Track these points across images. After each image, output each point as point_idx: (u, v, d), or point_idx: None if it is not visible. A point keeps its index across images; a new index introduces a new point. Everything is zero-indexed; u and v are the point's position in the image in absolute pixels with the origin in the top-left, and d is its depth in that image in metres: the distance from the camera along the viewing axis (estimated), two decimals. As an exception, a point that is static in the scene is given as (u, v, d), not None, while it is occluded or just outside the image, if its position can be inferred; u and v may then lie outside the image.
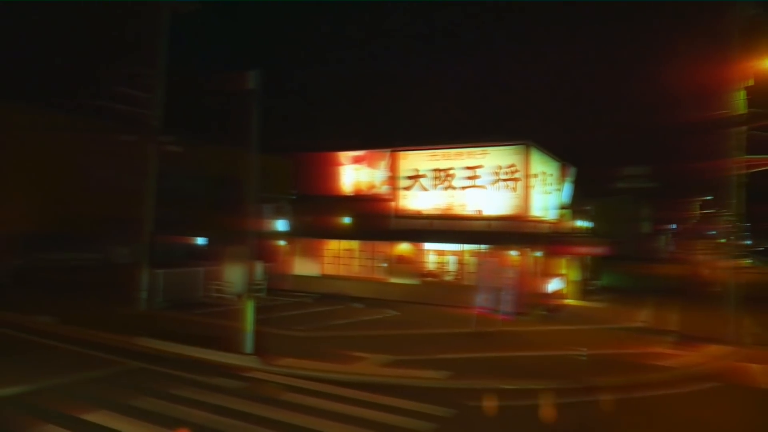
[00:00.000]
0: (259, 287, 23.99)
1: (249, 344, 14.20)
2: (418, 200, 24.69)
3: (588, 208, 32.92)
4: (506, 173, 22.53)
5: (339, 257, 26.53)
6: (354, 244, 26.12)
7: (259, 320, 14.78)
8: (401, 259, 24.71)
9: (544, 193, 24.46)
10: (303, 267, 27.00)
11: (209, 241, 41.31)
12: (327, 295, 24.92)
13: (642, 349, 16.12)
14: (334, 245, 26.68)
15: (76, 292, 24.28)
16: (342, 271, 26.29)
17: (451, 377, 12.61)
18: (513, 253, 21.42)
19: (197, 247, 40.58)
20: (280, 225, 26.91)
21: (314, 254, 27.04)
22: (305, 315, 20.81)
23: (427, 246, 24.20)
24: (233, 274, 23.66)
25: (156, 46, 20.92)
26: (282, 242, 27.41)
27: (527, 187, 22.22)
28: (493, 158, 22.85)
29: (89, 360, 13.63)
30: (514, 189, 22.39)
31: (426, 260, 24.38)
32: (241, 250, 24.53)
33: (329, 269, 26.67)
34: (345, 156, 26.57)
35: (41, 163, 32.70)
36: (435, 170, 24.24)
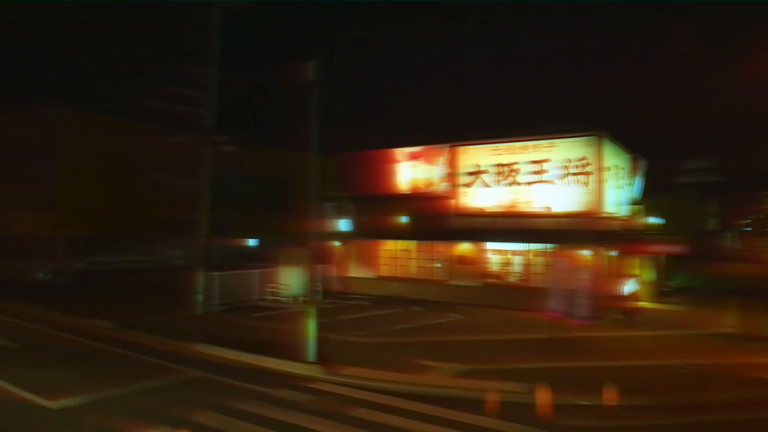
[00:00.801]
0: (316, 290, 23.26)
1: (312, 352, 13.35)
2: (480, 197, 23.40)
3: (658, 203, 30.83)
4: (576, 167, 20.99)
5: (395, 258, 25.54)
6: (411, 245, 25.08)
7: (317, 325, 13.94)
8: (462, 260, 23.48)
9: (616, 187, 22.74)
10: (358, 269, 26.14)
11: (260, 242, 41.25)
12: (384, 298, 23.97)
13: (743, 360, 14.42)
14: (390, 246, 25.71)
15: (131, 295, 24.19)
16: (399, 273, 25.28)
17: (534, 390, 11.38)
18: (585, 252, 19.89)
19: (248, 248, 40.52)
20: (336, 226, 26.10)
21: (370, 256, 26.14)
22: (364, 319, 19.91)
23: (490, 246, 22.89)
24: (288, 277, 23.03)
25: (209, 45, 20.47)
26: (336, 243, 26.62)
27: (600, 182, 20.62)
28: (561, 151, 21.35)
29: (148, 368, 13.09)
30: (586, 183, 20.82)
31: (488, 261, 23.08)
32: (296, 252, 23.96)
33: (386, 271, 25.71)
34: (401, 153, 25.54)
35: (98, 166, 33.16)
36: (498, 165, 22.90)
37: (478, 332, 17.62)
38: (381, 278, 25.57)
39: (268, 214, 37.08)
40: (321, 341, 13.64)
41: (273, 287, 23.10)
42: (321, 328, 13.91)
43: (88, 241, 31.01)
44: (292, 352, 13.52)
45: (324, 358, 13.22)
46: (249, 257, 36.58)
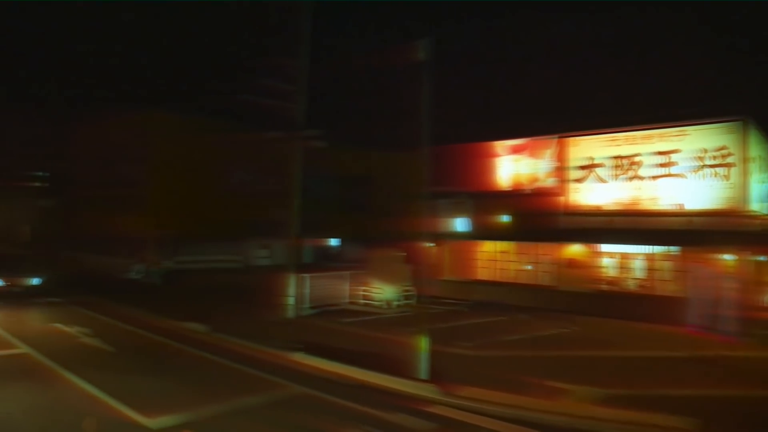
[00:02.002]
0: (409, 294, 21.80)
1: (424, 368, 11.77)
2: (594, 194, 21.02)
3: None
4: (714, 158, 18.21)
5: (494, 261, 23.58)
6: (512, 246, 23.03)
7: (411, 332, 12.39)
8: (572, 263, 21.19)
9: (759, 182, 19.64)
10: (452, 271, 24.38)
11: (342, 242, 40.40)
12: (482, 304, 22.11)
13: None
14: (488, 247, 23.78)
15: (220, 297, 23.63)
16: (498, 277, 23.30)
17: (707, 429, 9.22)
18: (727, 257, 17.14)
19: (330, 249, 39.74)
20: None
21: (465, 257, 24.31)
22: (467, 328, 18.15)
23: (605, 248, 20.47)
24: (381, 280, 21.65)
25: (298, 34, 19.44)
26: (429, 244, 24.97)
27: (745, 175, 17.76)
28: (694, 140, 18.63)
29: (247, 380, 12.02)
30: (726, 177, 18.00)
31: (603, 265, 20.66)
32: (388, 254, 22.60)
33: (483, 274, 23.79)
34: (501, 146, 23.50)
35: (186, 166, 33.36)
36: (615, 157, 20.42)
37: (604, 347, 15.43)
38: (477, 282, 23.68)
39: (350, 213, 36.16)
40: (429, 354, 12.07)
41: (365, 290, 21.80)
42: (418, 335, 12.34)
43: (176, 240, 31.16)
44: (399, 366, 12.01)
45: (435, 374, 11.61)
46: (331, 258, 35.78)
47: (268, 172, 37.13)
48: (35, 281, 23.43)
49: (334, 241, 42.24)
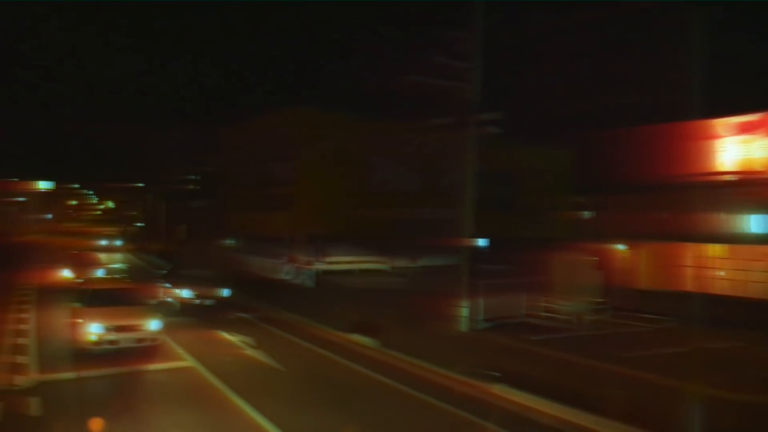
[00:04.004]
0: (603, 306, 18.18)
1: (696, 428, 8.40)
2: None
3: None
4: None
5: (708, 267, 19.10)
6: (733, 250, 18.42)
7: (629, 359, 9.07)
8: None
9: None
10: (651, 279, 20.22)
11: (489, 243, 37.10)
12: (693, 319, 17.76)
13: None
14: (697, 251, 19.33)
15: (378, 302, 21.62)
16: (723, 288, 18.73)
17: None
18: None
19: (480, 250, 36.52)
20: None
21: (668, 263, 20.02)
22: (700, 355, 14.17)
23: None
24: (567, 289, 18.23)
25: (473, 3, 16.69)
26: (620, 247, 21.06)
27: None
28: None
29: (443, 420, 9.53)
30: None
31: None
32: (575, 259, 19.16)
33: (693, 283, 19.35)
34: (723, 124, 18.94)
35: (335, 163, 32.22)
36: None
37: None
38: (685, 293, 19.29)
39: (497, 210, 32.79)
40: (657, 390, 8.75)
41: (547, 301, 18.51)
42: (642, 364, 9.04)
43: (326, 240, 30.06)
44: (645, 416, 8.81)
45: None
46: (481, 261, 32.66)
47: (422, 168, 35.17)
48: (225, 292, 19.86)
49: (481, 242, 39.04)
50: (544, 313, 18.35)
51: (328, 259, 29.78)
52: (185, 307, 18.57)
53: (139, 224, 65.53)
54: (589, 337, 15.83)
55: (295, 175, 32.69)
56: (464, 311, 16.80)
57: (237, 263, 31.78)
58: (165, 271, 23.13)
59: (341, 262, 30.50)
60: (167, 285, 19.69)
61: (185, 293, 18.87)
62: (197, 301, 18.76)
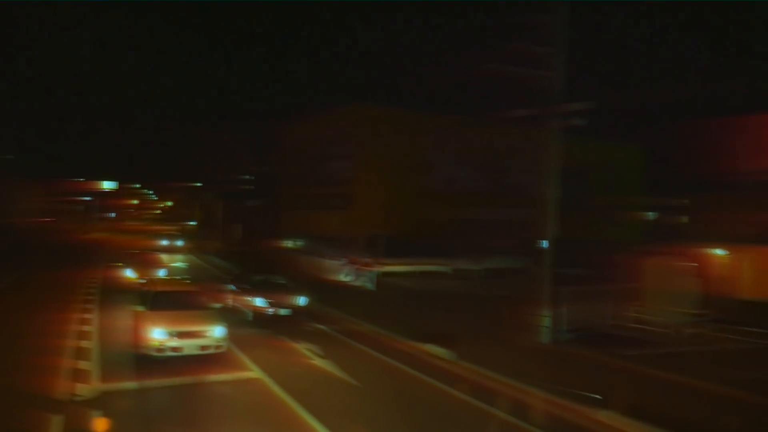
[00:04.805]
0: (703, 318, 16.28)
1: None
2: None
3: None
4: None
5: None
6: None
7: (750, 382, 7.49)
8: None
9: None
10: (755, 287, 18.09)
11: (550, 244, 35.12)
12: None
13: None
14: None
15: (445, 308, 20.33)
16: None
17: None
18: None
19: (543, 251, 34.66)
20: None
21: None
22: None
23: None
24: (661, 297, 16.42)
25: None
26: (718, 252, 18.97)
27: None
28: None
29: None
30: None
31: None
32: (670, 264, 17.31)
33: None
34: None
35: (395, 161, 31.15)
36: None
37: None
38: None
39: (576, 211, 30.86)
40: None
41: (638, 311, 16.76)
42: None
43: (386, 241, 28.99)
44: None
45: None
46: (556, 264, 30.78)
47: (488, 165, 33.69)
48: (302, 301, 17.79)
49: (544, 243, 37.18)
50: (633, 324, 16.62)
51: (389, 261, 28.64)
52: (258, 317, 16.88)
53: (195, 223, 66.54)
54: (694, 353, 14.03)
55: (354, 173, 31.80)
56: (546, 320, 15.30)
57: (295, 263, 31.13)
58: (233, 275, 21.73)
59: (402, 263, 29.32)
60: (237, 290, 18.14)
61: (258, 301, 17.02)
62: (271, 311, 16.94)
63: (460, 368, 12.68)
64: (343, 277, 28.20)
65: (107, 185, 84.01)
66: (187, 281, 16.74)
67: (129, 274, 23.42)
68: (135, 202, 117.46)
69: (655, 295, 16.34)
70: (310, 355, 13.37)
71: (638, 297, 16.84)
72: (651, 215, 39.66)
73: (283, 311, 17.06)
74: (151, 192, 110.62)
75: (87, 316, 16.86)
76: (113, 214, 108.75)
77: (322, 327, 16.85)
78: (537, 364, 12.93)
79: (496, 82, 17.05)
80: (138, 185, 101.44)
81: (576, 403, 10.14)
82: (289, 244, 37.76)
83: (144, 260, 25.29)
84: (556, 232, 15.79)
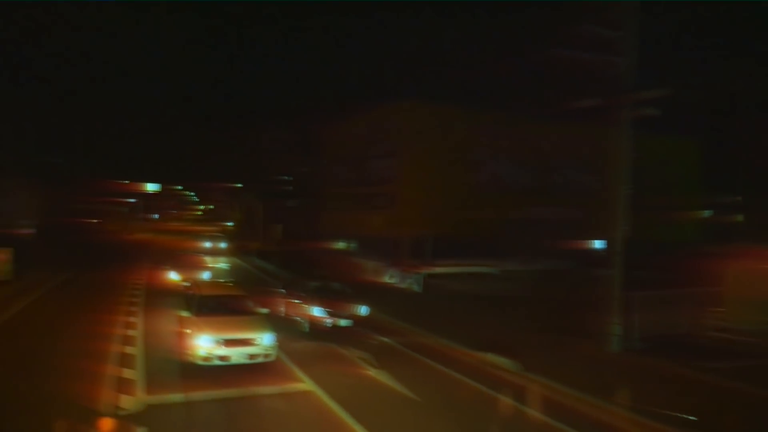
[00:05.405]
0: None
1: None
2: None
3: None
4: None
5: None
6: None
7: None
8: None
9: None
10: None
11: (606, 245, 33.38)
12: None
13: None
14: None
15: (501, 312, 19.17)
16: None
17: None
18: None
19: (594, 252, 32.96)
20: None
21: None
22: None
23: None
24: (745, 303, 14.92)
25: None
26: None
27: None
28: None
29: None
30: None
31: None
32: (758, 268, 15.77)
33: None
34: None
35: (440, 160, 30.08)
36: None
37: None
38: None
39: (638, 211, 29.16)
40: None
41: (717, 317, 15.28)
42: None
43: (431, 242, 27.95)
44: None
45: None
46: (600, 265, 29.23)
47: (536, 163, 32.29)
48: (363, 310, 16.21)
49: (598, 244, 35.42)
50: (713, 333, 15.15)
51: (436, 263, 27.58)
52: (315, 327, 15.43)
53: (236, 224, 66.83)
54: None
55: (398, 172, 30.84)
56: (616, 327, 14.02)
57: (337, 264, 30.40)
58: (285, 281, 19.93)
59: (448, 265, 28.19)
60: (292, 298, 16.68)
61: (316, 311, 15.48)
62: (329, 321, 15.37)
63: (527, 381, 11.58)
64: (389, 279, 27.31)
65: (151, 187, 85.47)
66: (232, 284, 16.07)
67: (173, 276, 23.07)
68: (177, 203, 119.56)
69: (739, 300, 14.85)
70: (363, 365, 12.49)
71: (718, 302, 15.36)
72: (706, 214, 37.40)
73: (343, 322, 15.55)
74: (192, 194, 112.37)
75: (132, 319, 16.43)
76: (156, 216, 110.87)
77: (374, 333, 15.96)
78: (612, 376, 11.76)
79: (556, 72, 15.91)
80: (180, 187, 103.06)
81: (669, 427, 8.97)
82: (339, 245, 36.91)
83: (187, 262, 24.93)
84: (628, 232, 14.44)
